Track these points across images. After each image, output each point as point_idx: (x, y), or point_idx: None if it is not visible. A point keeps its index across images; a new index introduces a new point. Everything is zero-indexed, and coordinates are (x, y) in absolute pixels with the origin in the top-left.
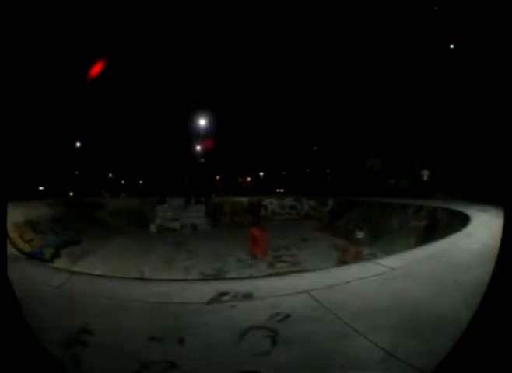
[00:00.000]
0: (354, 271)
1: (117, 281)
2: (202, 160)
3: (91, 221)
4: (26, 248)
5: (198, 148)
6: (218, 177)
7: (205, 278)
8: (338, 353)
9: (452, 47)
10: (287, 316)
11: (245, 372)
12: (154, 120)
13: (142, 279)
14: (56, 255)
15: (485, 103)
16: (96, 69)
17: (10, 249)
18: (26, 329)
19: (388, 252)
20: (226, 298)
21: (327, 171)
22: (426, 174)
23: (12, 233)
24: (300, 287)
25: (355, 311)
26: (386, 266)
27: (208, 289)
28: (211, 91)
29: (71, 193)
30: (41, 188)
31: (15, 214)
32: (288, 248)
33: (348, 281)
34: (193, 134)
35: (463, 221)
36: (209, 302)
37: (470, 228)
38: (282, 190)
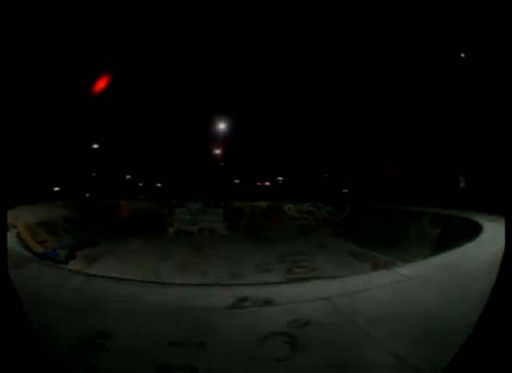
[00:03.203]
0: (372, 279)
1: (137, 285)
2: (222, 164)
3: (107, 223)
4: (39, 249)
5: (218, 151)
6: (237, 181)
7: (224, 283)
8: (355, 360)
9: (463, 55)
10: (306, 323)
11: None
12: (173, 122)
13: (161, 283)
14: (71, 256)
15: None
16: (102, 83)
17: (21, 251)
18: (28, 330)
19: (405, 260)
20: (246, 303)
21: (346, 177)
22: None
23: (24, 234)
24: (320, 293)
25: (373, 319)
26: (402, 274)
27: (229, 294)
28: (231, 95)
29: (87, 195)
30: (56, 189)
31: (29, 215)
32: (305, 253)
33: (367, 289)
34: (213, 138)
35: (475, 230)
36: (230, 307)
37: (482, 238)
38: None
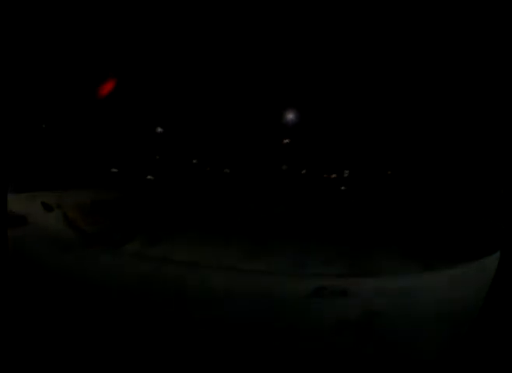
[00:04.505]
0: (428, 278)
1: (212, 271)
2: (288, 154)
3: (167, 206)
4: (91, 230)
5: (286, 141)
6: (303, 172)
7: (300, 273)
8: (412, 351)
9: None
10: (377, 313)
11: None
12: (244, 110)
13: (238, 269)
14: (128, 239)
15: None
16: (108, 87)
17: (70, 233)
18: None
19: (453, 263)
20: (323, 293)
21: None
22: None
23: (72, 214)
24: (388, 287)
25: (430, 314)
26: (450, 275)
27: (307, 284)
28: (303, 88)
29: (149, 177)
30: (115, 170)
31: (82, 195)
32: (364, 249)
33: (422, 287)
34: (281, 127)
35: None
36: (309, 297)
37: None
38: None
